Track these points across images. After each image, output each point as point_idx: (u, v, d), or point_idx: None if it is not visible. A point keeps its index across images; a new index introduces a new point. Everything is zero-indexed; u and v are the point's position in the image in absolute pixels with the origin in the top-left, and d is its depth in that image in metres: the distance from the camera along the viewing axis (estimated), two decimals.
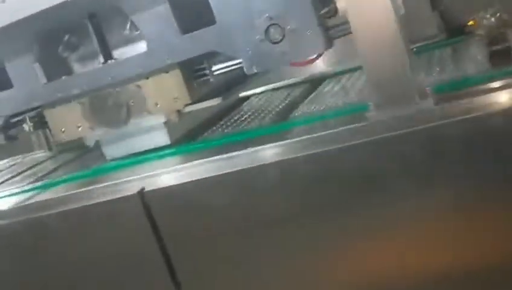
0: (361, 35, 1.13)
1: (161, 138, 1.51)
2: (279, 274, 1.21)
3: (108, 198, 1.28)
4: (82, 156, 1.82)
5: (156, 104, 1.45)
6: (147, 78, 1.43)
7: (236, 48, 1.30)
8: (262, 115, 1.61)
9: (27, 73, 1.49)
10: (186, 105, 1.44)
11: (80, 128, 1.53)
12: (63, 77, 1.48)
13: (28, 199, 1.45)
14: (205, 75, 1.43)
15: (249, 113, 1.66)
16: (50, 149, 2.16)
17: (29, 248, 1.38)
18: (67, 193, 1.37)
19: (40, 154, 2.19)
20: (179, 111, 1.46)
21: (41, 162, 1.98)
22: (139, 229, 1.26)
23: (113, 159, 1.56)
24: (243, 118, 1.63)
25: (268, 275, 1.22)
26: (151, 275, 1.30)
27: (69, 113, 1.52)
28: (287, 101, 1.70)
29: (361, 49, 1.14)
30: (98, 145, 1.58)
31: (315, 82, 1.82)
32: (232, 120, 1.64)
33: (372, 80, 1.16)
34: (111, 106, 1.47)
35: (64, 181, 1.51)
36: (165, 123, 1.49)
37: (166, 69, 1.41)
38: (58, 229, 1.34)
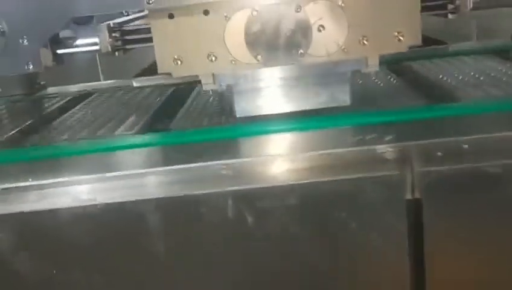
0: None
1: (339, 96, 0.96)
2: None
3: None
4: None
5: (363, 39, 0.91)
6: None
7: None
8: None
9: None
10: (412, 48, 0.91)
11: (213, 60, 0.93)
12: None
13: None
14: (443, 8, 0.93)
15: None
16: None
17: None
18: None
19: None
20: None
21: None
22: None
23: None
24: None
25: None
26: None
27: (200, 32, 0.92)
28: None
29: None
30: None
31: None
32: None
33: None
34: (281, 29, 0.91)
35: None
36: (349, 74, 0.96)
37: None
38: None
